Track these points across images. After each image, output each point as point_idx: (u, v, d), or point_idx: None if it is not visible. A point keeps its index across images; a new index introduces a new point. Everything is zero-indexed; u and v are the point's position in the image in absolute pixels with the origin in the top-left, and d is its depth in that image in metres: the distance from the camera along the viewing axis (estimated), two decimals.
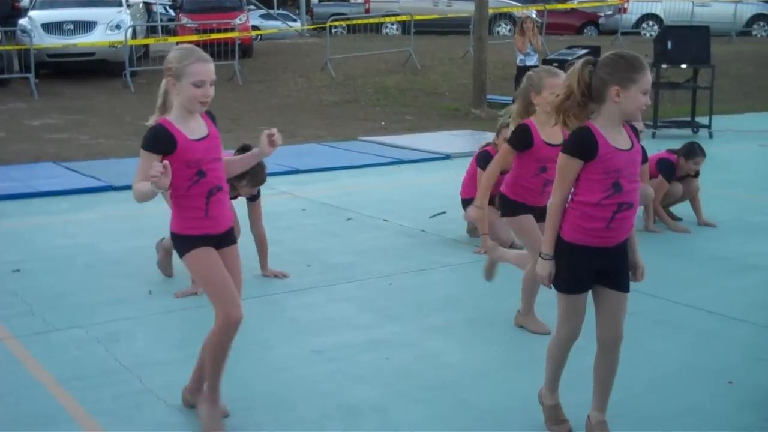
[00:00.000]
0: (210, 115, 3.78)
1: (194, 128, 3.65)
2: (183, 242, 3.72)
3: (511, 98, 14.16)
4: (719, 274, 6.12)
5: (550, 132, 4.67)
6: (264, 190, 6.23)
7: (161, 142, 3.56)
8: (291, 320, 5.28)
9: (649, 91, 3.42)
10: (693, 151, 7.44)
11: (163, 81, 3.67)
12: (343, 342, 4.89)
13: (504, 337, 4.98)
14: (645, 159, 6.95)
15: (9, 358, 4.65)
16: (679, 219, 7.55)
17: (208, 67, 3.60)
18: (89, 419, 3.93)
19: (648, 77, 3.39)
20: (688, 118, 13.41)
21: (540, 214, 4.34)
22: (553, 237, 3.52)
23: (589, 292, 3.57)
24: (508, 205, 4.89)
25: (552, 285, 3.58)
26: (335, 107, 16.08)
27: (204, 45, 18.21)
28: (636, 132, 3.54)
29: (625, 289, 3.55)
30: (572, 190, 3.49)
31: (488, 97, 15.72)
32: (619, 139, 3.43)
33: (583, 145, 3.40)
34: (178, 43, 20.15)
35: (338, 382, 4.32)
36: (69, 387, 4.24)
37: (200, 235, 3.69)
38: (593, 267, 3.49)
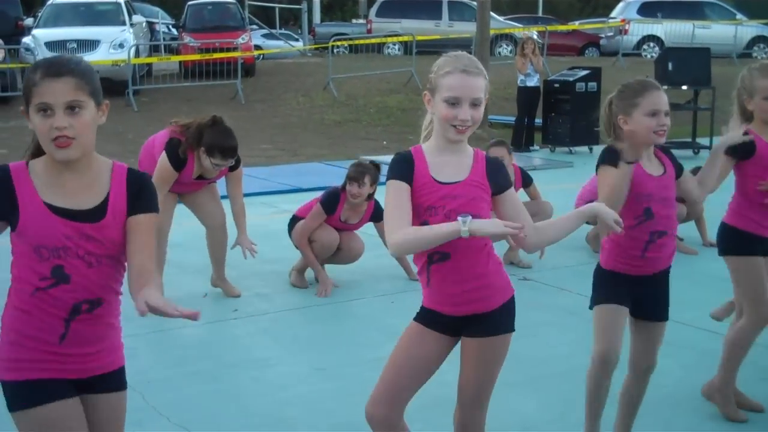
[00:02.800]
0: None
1: None
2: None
3: (512, 118, 14.23)
4: (723, 295, 6.10)
5: None
6: (266, 208, 6.27)
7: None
8: (293, 338, 5.28)
9: (662, 112, 3.34)
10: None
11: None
12: (346, 360, 4.89)
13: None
14: None
15: None
16: (680, 239, 7.56)
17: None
18: None
19: (654, 98, 3.33)
20: (689, 139, 13.44)
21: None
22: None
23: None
24: (731, 238, 4.11)
25: (593, 302, 3.51)
26: (337, 127, 16.12)
27: (206, 64, 18.54)
28: (670, 156, 3.49)
29: (663, 317, 3.54)
30: None
31: (490, 117, 15.77)
32: (648, 165, 3.40)
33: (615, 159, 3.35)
34: (181, 62, 20.34)
35: (340, 401, 4.32)
36: None
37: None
38: (631, 293, 3.46)
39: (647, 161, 3.40)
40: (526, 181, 7.01)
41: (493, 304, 2.91)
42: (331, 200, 6.06)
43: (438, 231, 2.72)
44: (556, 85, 13.80)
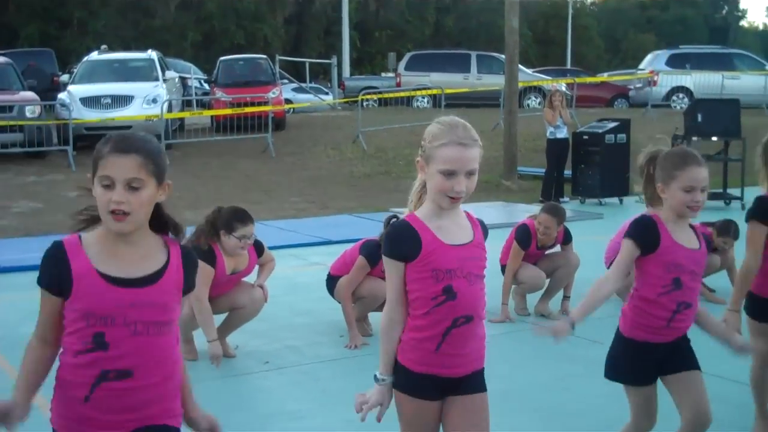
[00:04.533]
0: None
1: None
2: None
3: (542, 170, 14.27)
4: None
5: None
6: (295, 261, 6.31)
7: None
8: (323, 390, 5.28)
9: (698, 189, 3.35)
10: (726, 230, 7.45)
11: None
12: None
13: (535, 410, 4.95)
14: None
15: (44, 426, 4.67)
16: (712, 290, 7.50)
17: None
18: None
19: (693, 174, 3.35)
20: (720, 190, 13.39)
21: None
22: (585, 310, 3.45)
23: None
24: (759, 306, 4.13)
25: (618, 380, 3.57)
26: (366, 179, 16.23)
27: (238, 118, 18.80)
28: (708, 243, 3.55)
29: (695, 366, 3.50)
30: (634, 284, 3.47)
31: (519, 168, 15.82)
32: (682, 236, 3.42)
33: (644, 234, 3.39)
34: (212, 117, 20.65)
35: None
36: None
37: None
38: (655, 359, 3.47)
39: (681, 231, 3.42)
40: (567, 239, 7.01)
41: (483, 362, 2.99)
42: (374, 252, 6.08)
43: None
44: (586, 137, 13.83)
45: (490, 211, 12.59)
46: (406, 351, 2.89)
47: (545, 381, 5.30)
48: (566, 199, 13.74)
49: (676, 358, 3.47)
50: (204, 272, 5.50)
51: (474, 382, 2.93)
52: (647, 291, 3.40)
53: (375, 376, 2.96)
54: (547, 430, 4.64)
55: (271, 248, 6.29)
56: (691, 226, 3.50)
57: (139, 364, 2.45)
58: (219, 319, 5.86)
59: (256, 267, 5.96)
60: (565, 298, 7.00)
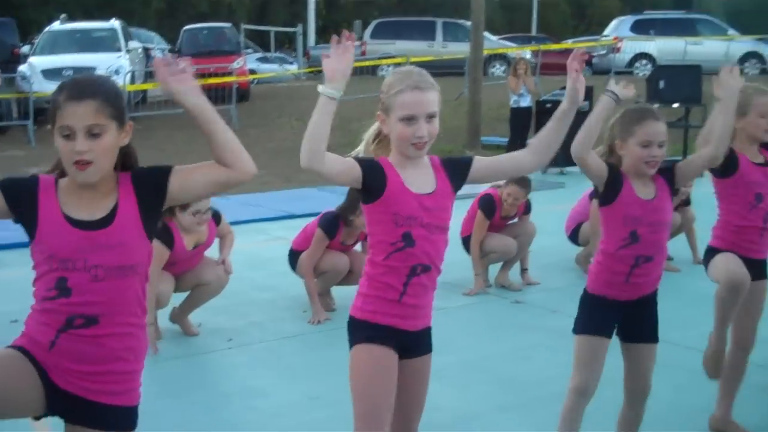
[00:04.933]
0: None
1: None
2: None
3: (505, 139, 14.32)
4: (709, 314, 6.15)
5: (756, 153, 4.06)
6: (258, 235, 6.31)
7: None
8: (287, 366, 5.32)
9: (655, 144, 3.36)
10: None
11: None
12: (341, 387, 4.91)
13: (497, 379, 5.03)
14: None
15: None
16: (671, 258, 7.59)
17: None
18: None
19: (649, 128, 3.36)
20: (680, 157, 13.51)
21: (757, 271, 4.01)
22: None
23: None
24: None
25: (574, 330, 3.55)
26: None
27: (202, 89, 18.57)
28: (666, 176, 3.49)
29: (652, 339, 3.55)
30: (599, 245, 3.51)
31: (482, 138, 15.85)
32: (643, 189, 3.43)
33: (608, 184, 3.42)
34: None
35: (334, 428, 4.36)
36: None
37: None
38: (615, 318, 3.49)
39: (641, 185, 3.43)
40: (527, 210, 7.02)
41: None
42: (332, 224, 6.11)
43: None
44: (548, 105, 13.82)
45: None
46: (366, 304, 2.92)
47: (507, 351, 5.37)
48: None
49: (637, 326, 3.50)
50: (157, 253, 5.48)
51: (424, 343, 3.02)
52: (608, 245, 3.44)
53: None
54: (508, 400, 4.72)
55: (233, 223, 6.29)
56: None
57: (104, 312, 2.42)
58: (181, 297, 5.86)
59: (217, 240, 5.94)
60: (524, 270, 7.04)
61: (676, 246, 7.67)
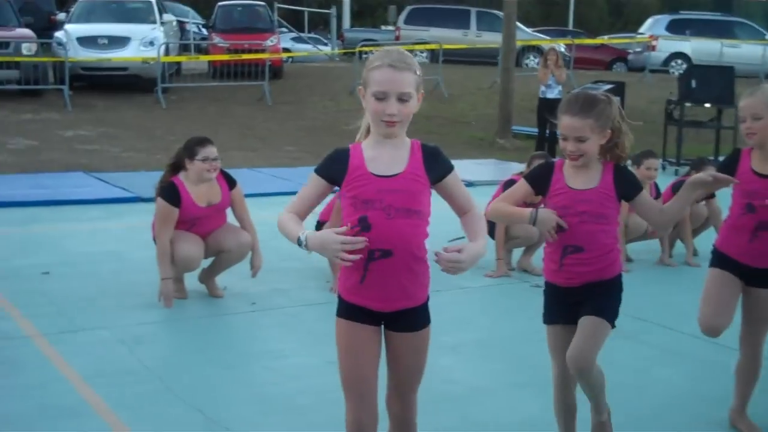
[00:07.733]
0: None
1: None
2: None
3: (536, 129, 14.35)
4: None
5: (761, 160, 3.86)
6: None
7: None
8: (308, 332, 5.44)
9: (570, 138, 3.36)
10: (702, 162, 7.47)
11: None
12: None
13: (512, 358, 5.12)
14: (658, 194, 7.09)
15: (37, 355, 4.85)
16: (696, 254, 7.56)
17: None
18: (111, 414, 4.11)
19: (563, 122, 3.38)
20: (712, 157, 13.50)
21: (749, 278, 3.94)
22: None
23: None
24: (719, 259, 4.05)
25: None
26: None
27: (235, 65, 18.77)
28: (624, 175, 3.46)
29: (593, 312, 3.41)
30: None
31: (513, 127, 15.90)
32: (578, 180, 3.41)
33: (535, 176, 3.53)
34: (210, 62, 20.63)
35: None
36: (93, 383, 4.43)
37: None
38: (565, 303, 3.49)
39: (578, 175, 3.41)
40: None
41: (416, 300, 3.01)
42: None
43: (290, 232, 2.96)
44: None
45: (481, 169, 12.70)
46: (342, 281, 3.01)
47: (523, 332, 5.45)
48: (557, 159, 13.82)
49: (583, 306, 3.44)
50: (164, 212, 5.64)
51: (408, 321, 3.00)
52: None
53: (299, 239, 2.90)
54: (521, 378, 4.81)
55: (264, 195, 6.42)
56: (606, 168, 3.43)
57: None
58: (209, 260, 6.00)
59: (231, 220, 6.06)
60: None
61: (704, 241, 7.69)
